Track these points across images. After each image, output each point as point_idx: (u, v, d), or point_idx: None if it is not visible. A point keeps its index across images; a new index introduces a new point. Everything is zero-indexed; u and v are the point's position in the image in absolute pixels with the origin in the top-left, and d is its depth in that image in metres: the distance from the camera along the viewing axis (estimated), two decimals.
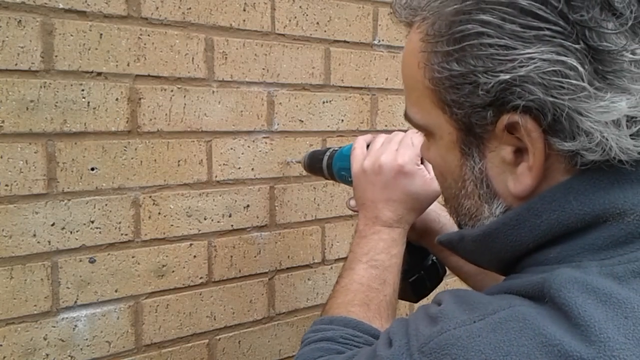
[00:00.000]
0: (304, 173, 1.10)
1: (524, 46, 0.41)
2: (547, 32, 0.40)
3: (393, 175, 0.78)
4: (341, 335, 0.66)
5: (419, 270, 0.89)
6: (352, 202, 0.88)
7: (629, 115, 0.40)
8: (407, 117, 0.56)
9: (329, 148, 1.01)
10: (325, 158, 0.97)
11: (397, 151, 0.79)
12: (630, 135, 0.41)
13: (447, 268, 0.91)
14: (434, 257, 0.92)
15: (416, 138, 0.80)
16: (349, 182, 0.90)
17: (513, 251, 0.48)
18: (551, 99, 0.41)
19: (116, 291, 0.96)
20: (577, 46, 0.40)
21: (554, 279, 0.41)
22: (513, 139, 0.45)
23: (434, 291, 0.95)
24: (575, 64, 0.40)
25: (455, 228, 0.87)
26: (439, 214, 0.89)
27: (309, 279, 1.21)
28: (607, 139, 0.41)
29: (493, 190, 0.49)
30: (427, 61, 0.47)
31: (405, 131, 0.82)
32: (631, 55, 0.39)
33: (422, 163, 0.79)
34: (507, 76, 0.41)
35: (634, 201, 0.43)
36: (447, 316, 0.44)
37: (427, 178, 0.78)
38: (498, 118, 0.44)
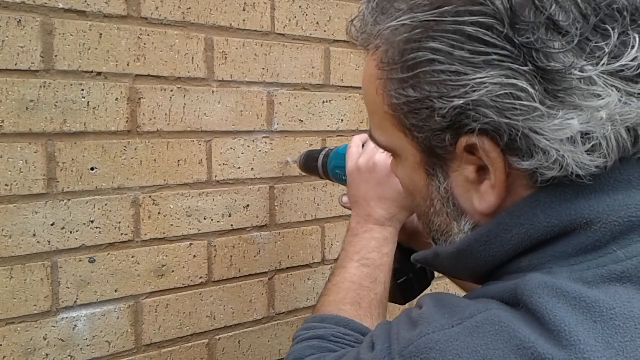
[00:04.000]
0: (304, 173, 1.10)
1: (474, 71, 0.41)
2: (495, 57, 0.41)
3: (387, 173, 0.78)
4: (332, 334, 0.67)
5: (408, 272, 0.89)
6: (345, 199, 0.89)
7: (582, 131, 0.41)
8: (372, 138, 0.57)
9: (325, 148, 1.01)
10: (321, 157, 0.98)
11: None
12: (586, 152, 0.41)
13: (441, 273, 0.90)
14: None
15: None
16: (343, 181, 0.90)
17: (487, 265, 0.49)
18: (506, 120, 0.41)
19: (116, 291, 0.96)
20: (525, 68, 0.40)
21: (525, 284, 0.42)
22: (474, 159, 0.46)
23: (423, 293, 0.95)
24: (525, 85, 0.40)
25: None
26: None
27: (309, 279, 1.21)
28: (563, 157, 0.41)
29: (460, 208, 0.50)
30: (385, 88, 0.48)
31: None
32: (580, 73, 0.40)
33: None
34: (461, 101, 0.42)
35: (599, 210, 0.43)
36: (426, 320, 0.45)
37: None
38: (457, 140, 0.45)
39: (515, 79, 0.40)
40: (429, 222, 0.54)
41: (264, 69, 1.10)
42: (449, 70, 0.42)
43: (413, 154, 0.50)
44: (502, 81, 0.41)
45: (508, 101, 0.41)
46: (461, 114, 0.43)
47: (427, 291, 0.94)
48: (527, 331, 0.39)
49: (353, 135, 1.14)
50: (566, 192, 0.44)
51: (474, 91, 0.41)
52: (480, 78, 0.41)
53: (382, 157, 0.80)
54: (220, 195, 1.07)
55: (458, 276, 0.59)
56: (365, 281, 0.75)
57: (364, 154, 0.83)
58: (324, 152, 0.98)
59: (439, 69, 0.42)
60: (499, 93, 0.41)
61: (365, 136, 0.86)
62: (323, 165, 0.97)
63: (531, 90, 0.40)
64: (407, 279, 0.89)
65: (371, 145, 0.83)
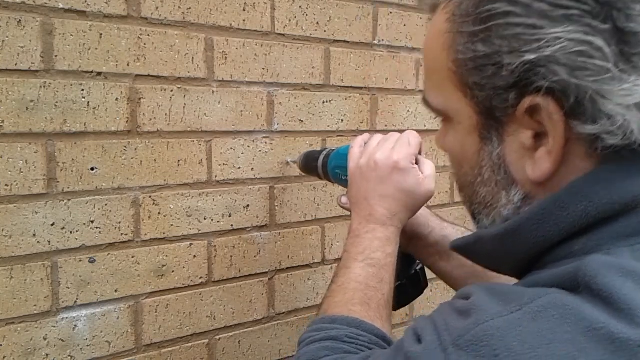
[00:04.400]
0: (304, 173, 1.10)
1: (552, 25, 0.40)
2: (575, 12, 0.40)
3: (388, 171, 0.78)
4: (346, 334, 0.64)
5: (403, 278, 0.89)
6: (344, 199, 0.87)
7: None
8: (425, 102, 0.55)
9: (326, 148, 1.01)
10: (321, 157, 0.98)
11: (393, 149, 0.80)
12: None
13: (436, 274, 0.90)
14: (419, 267, 0.92)
15: (413, 138, 0.81)
16: (343, 182, 0.90)
17: (536, 248, 0.47)
18: (575, 80, 0.41)
19: (116, 291, 0.96)
20: (604, 26, 0.39)
21: (587, 266, 0.40)
22: (533, 122, 0.45)
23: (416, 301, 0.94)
24: (601, 44, 0.40)
25: (445, 232, 0.88)
26: (429, 219, 0.89)
27: (309, 279, 1.21)
28: (628, 123, 0.41)
29: (511, 176, 0.49)
30: (452, 42, 0.47)
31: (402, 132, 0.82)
32: None
33: (416, 163, 0.80)
34: (533, 56, 0.41)
35: None
36: (480, 308, 0.43)
37: (420, 177, 0.78)
38: (520, 100, 0.44)
39: (592, 36, 0.40)
40: (473, 194, 0.53)
41: (264, 69, 1.10)
42: (525, 23, 0.41)
43: (469, 116, 0.49)
44: (579, 37, 0.40)
45: (581, 59, 0.40)
46: (530, 70, 0.42)
47: (420, 298, 0.94)
48: (595, 312, 0.38)
49: (353, 135, 1.14)
50: (629, 168, 0.43)
51: (548, 46, 0.40)
52: (557, 32, 0.40)
53: (384, 155, 0.79)
54: (220, 195, 1.07)
55: (493, 266, 0.55)
56: (372, 281, 0.73)
57: (365, 154, 0.82)
58: (324, 153, 0.98)
59: (514, 22, 0.42)
60: (573, 50, 0.40)
61: (367, 136, 0.86)
62: (323, 166, 0.97)
63: (606, 50, 0.40)
64: (401, 284, 0.88)
65: (372, 144, 0.82)
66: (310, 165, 1.01)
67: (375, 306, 0.71)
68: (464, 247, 0.56)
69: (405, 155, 0.78)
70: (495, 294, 0.44)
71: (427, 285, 0.92)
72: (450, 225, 0.91)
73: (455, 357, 0.41)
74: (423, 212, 0.90)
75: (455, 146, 0.53)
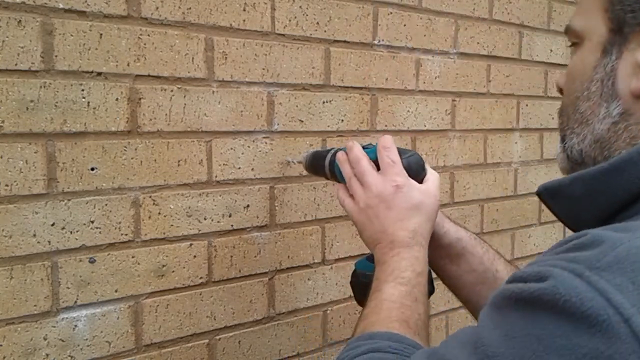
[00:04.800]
0: (304, 173, 1.10)
1: None
2: None
3: (391, 196, 0.77)
4: (389, 346, 0.60)
5: None
6: (341, 193, 0.85)
7: None
8: (568, 28, 0.63)
9: (332, 148, 1.00)
10: (329, 157, 0.97)
11: (381, 174, 0.79)
12: None
13: (443, 277, 0.90)
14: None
15: (387, 142, 0.80)
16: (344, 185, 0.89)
17: (633, 189, 0.50)
18: None
19: (116, 291, 0.96)
20: None
21: None
22: None
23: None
24: None
25: (459, 234, 0.87)
26: (443, 219, 0.88)
27: (309, 279, 1.21)
28: None
29: (616, 89, 0.55)
30: None
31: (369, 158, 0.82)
32: None
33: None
34: None
35: None
36: (607, 237, 0.45)
37: (422, 187, 0.78)
38: None
39: None
40: (574, 110, 0.59)
41: (264, 69, 1.10)
42: None
43: (600, 33, 0.57)
44: None
45: None
46: None
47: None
48: None
49: (353, 135, 1.14)
50: None
51: None
52: None
53: (378, 185, 0.77)
54: (220, 195, 1.07)
55: (577, 213, 0.57)
56: (406, 300, 0.69)
57: (358, 195, 0.80)
58: (331, 152, 0.98)
59: None
60: None
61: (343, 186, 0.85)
62: (330, 165, 0.97)
63: None
64: None
65: (355, 185, 0.81)
66: (317, 165, 1.01)
67: (413, 325, 0.66)
68: (556, 189, 0.57)
69: (396, 172, 0.78)
70: (609, 229, 0.47)
71: (433, 291, 0.91)
72: (463, 229, 0.90)
73: (596, 278, 0.42)
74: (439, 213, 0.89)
75: (577, 63, 0.61)
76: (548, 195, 0.59)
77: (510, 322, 0.46)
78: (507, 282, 0.50)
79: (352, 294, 0.92)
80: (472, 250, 0.88)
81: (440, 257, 0.87)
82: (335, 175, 0.95)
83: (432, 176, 0.82)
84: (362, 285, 0.89)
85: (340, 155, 0.88)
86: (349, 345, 0.64)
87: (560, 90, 0.66)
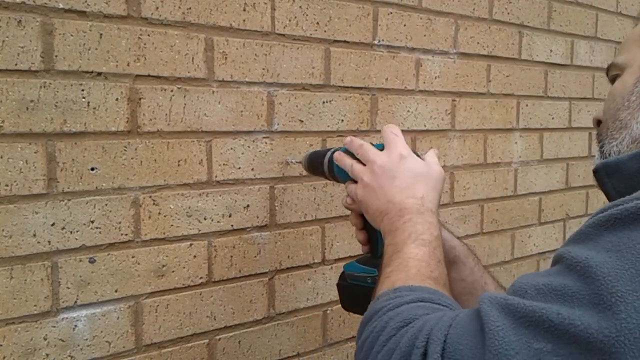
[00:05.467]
0: (304, 173, 1.10)
1: None
2: None
3: (395, 165, 0.76)
4: (432, 298, 0.58)
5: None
6: (349, 200, 0.85)
7: None
8: (612, 65, 0.72)
9: (331, 148, 1.00)
10: (327, 156, 0.97)
11: (385, 149, 0.79)
12: None
13: None
14: None
15: (394, 129, 0.81)
16: (349, 180, 0.89)
17: None
18: None
19: (116, 291, 0.96)
20: None
21: None
22: None
23: None
24: None
25: (453, 243, 0.89)
26: (440, 227, 0.89)
27: (309, 279, 1.21)
28: None
29: None
30: None
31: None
32: None
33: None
34: None
35: None
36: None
37: (423, 161, 0.79)
38: None
39: None
40: (614, 119, 0.67)
41: (264, 69, 1.10)
42: None
43: (639, 59, 0.67)
44: None
45: None
46: None
47: None
48: None
49: (353, 135, 1.14)
50: None
51: None
52: None
53: (381, 157, 0.78)
54: (220, 195, 1.07)
55: (631, 190, 0.59)
56: (431, 260, 0.65)
57: (362, 173, 0.79)
58: (330, 151, 0.98)
59: None
60: None
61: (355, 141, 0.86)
62: (329, 164, 0.97)
63: None
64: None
65: (370, 154, 0.81)
66: (316, 165, 1.01)
67: (443, 284, 0.63)
68: (614, 165, 0.62)
69: (400, 145, 0.78)
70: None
71: None
72: (457, 238, 0.90)
73: None
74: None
75: (618, 86, 0.69)
76: (605, 171, 0.62)
77: (608, 241, 0.47)
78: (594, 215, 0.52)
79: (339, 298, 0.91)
80: (464, 259, 0.88)
81: None
82: (334, 173, 0.95)
83: (430, 152, 0.82)
84: (349, 288, 0.89)
85: (338, 154, 0.88)
86: (384, 297, 0.60)
87: (598, 122, 0.72)
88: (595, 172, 0.63)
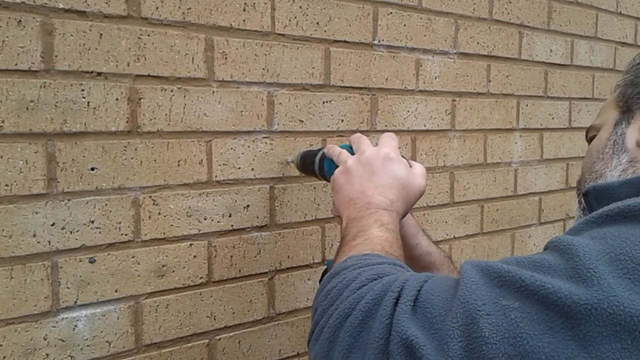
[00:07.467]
0: (301, 173, 1.10)
1: None
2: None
3: (380, 162, 0.79)
4: (399, 264, 0.61)
5: None
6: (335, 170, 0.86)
7: None
8: (590, 127, 0.76)
9: (322, 148, 1.01)
10: (318, 157, 0.97)
11: (378, 146, 0.82)
12: None
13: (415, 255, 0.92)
14: None
15: (392, 135, 0.85)
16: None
17: None
18: None
19: (116, 291, 0.96)
20: None
21: None
22: None
23: None
24: None
25: (430, 249, 0.92)
26: (419, 231, 0.92)
27: (309, 279, 1.21)
28: None
29: (625, 146, 0.67)
30: (620, 92, 0.72)
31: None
32: None
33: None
34: None
35: None
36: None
37: (409, 168, 0.80)
38: None
39: None
40: (590, 172, 0.70)
41: (264, 69, 1.10)
42: None
43: (614, 117, 0.71)
44: None
45: None
46: None
47: None
48: None
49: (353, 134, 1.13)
50: None
51: None
52: None
53: (372, 151, 0.81)
54: (220, 195, 1.07)
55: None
56: (395, 244, 0.68)
57: (353, 157, 0.82)
58: (320, 153, 0.98)
59: None
60: None
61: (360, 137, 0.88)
62: (319, 164, 0.97)
63: None
64: None
65: (359, 148, 0.84)
66: (307, 164, 1.01)
67: (407, 266, 0.65)
68: (604, 190, 0.64)
69: (392, 147, 0.81)
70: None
71: None
72: (435, 245, 0.94)
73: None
74: (414, 222, 0.92)
75: (595, 143, 0.73)
76: (594, 195, 0.64)
77: (596, 232, 0.50)
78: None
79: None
80: (439, 266, 0.91)
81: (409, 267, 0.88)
82: (324, 171, 0.95)
83: (419, 165, 0.84)
84: None
85: (330, 146, 0.92)
86: (352, 258, 0.63)
87: (578, 183, 0.75)
88: (585, 194, 0.66)
